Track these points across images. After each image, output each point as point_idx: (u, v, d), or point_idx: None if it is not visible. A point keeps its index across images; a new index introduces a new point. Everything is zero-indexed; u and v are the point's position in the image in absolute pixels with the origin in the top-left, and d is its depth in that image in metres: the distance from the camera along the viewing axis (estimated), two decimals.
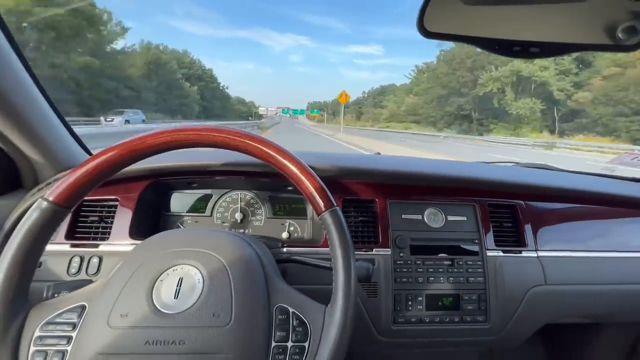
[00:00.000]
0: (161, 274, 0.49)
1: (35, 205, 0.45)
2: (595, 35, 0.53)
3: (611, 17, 0.53)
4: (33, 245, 0.44)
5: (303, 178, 0.52)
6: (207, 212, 0.92)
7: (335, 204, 0.52)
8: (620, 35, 0.51)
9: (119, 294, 0.46)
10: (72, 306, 0.47)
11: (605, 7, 0.50)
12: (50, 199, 0.45)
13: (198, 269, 0.50)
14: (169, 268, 0.49)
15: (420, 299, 0.80)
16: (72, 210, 0.48)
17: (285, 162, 0.52)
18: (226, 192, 0.94)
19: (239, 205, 0.93)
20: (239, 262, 0.51)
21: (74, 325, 0.45)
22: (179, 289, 0.48)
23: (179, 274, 0.49)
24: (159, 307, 0.46)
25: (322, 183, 0.53)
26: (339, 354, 0.46)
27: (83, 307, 0.47)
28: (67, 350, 0.44)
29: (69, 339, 0.45)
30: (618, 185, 1.09)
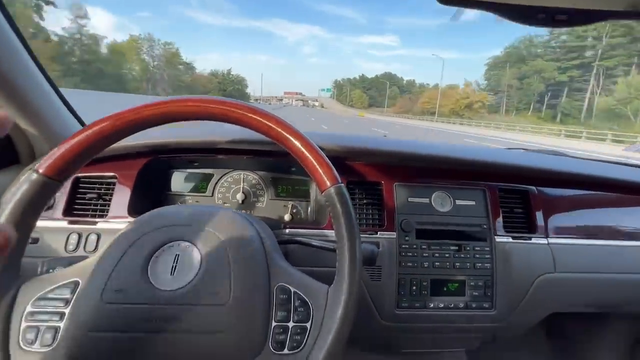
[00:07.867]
0: (157, 250, 0.47)
1: (25, 177, 0.43)
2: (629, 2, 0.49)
3: None
4: (23, 219, 0.42)
5: (307, 153, 0.48)
6: (209, 192, 0.90)
7: (340, 181, 0.49)
8: None
9: (112, 270, 0.44)
10: (65, 282, 0.45)
11: None
12: (41, 171, 0.43)
13: (196, 246, 0.48)
14: (165, 244, 0.47)
15: (425, 284, 0.78)
16: (63, 183, 0.45)
17: (288, 136, 0.48)
18: (228, 172, 0.91)
19: (241, 186, 0.91)
20: (238, 240, 0.49)
21: (67, 301, 0.44)
22: (175, 266, 0.46)
23: (175, 251, 0.47)
24: (154, 284, 0.44)
25: (326, 159, 0.49)
26: (341, 336, 0.44)
27: (76, 283, 0.45)
28: (59, 327, 0.42)
29: (62, 315, 0.43)
30: (633, 172, 1.05)
